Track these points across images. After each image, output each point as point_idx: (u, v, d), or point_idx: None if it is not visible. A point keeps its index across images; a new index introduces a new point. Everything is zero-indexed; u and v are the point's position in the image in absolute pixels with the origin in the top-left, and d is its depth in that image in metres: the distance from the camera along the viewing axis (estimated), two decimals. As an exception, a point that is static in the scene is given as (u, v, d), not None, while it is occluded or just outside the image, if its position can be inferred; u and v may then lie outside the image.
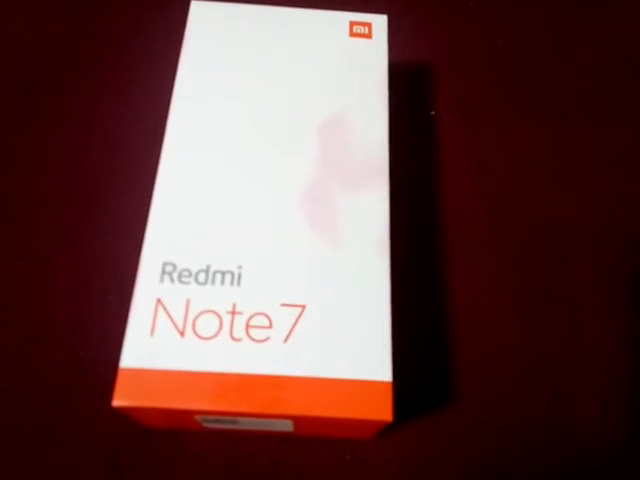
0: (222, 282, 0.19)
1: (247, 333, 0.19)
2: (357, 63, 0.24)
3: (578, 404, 0.24)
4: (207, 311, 0.19)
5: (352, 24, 0.25)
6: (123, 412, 0.19)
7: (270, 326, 0.19)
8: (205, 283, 0.19)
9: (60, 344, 0.24)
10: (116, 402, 0.18)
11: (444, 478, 0.22)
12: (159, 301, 0.19)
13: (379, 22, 0.25)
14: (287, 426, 0.20)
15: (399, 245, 0.27)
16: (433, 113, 0.30)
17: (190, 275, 0.19)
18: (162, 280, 0.19)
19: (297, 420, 0.19)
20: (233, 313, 0.19)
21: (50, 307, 0.25)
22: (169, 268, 0.19)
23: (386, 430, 0.23)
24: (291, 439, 0.23)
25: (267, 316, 0.19)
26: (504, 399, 0.24)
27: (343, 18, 0.25)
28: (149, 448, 0.22)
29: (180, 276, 0.19)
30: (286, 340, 0.19)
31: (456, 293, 0.26)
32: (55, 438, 0.22)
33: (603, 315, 0.26)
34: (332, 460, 0.23)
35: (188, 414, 0.19)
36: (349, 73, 0.24)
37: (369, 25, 0.25)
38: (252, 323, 0.19)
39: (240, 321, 0.19)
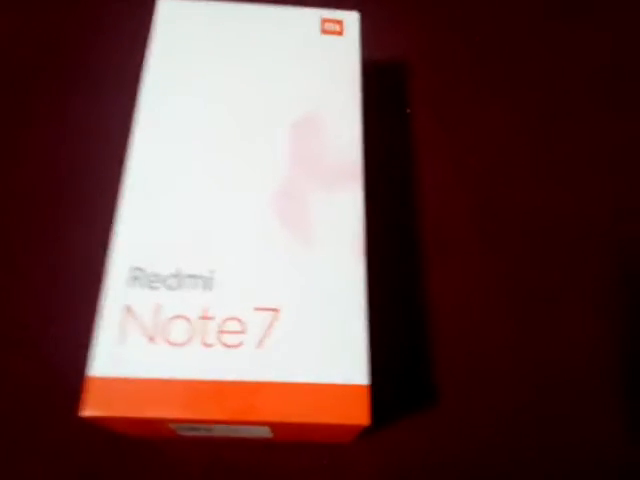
0: (193, 287, 0.19)
1: (219, 339, 0.18)
2: (329, 61, 0.23)
3: (562, 405, 0.24)
4: (178, 317, 0.18)
5: (324, 21, 0.24)
6: (94, 422, 0.18)
7: (243, 331, 0.18)
8: (175, 288, 0.19)
9: (30, 351, 0.23)
10: (85, 412, 0.17)
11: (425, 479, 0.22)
12: (127, 307, 0.18)
13: (351, 19, 0.25)
14: (265, 432, 0.20)
15: (376, 245, 0.26)
16: (409, 111, 0.30)
17: (159, 280, 0.19)
18: (130, 285, 0.19)
19: (274, 426, 0.18)
20: (205, 318, 0.18)
21: (19, 313, 0.24)
22: (138, 273, 0.19)
23: (366, 433, 0.23)
24: (270, 445, 0.22)
25: (240, 320, 0.18)
26: (486, 401, 0.24)
27: (314, 15, 0.25)
28: (124, 457, 0.22)
29: (149, 281, 0.19)
30: (260, 345, 0.18)
31: (436, 293, 0.26)
32: (25, 448, 0.22)
33: (587, 314, 0.26)
34: (312, 465, 0.22)
35: (161, 422, 0.18)
36: (321, 71, 0.23)
37: (341, 22, 0.25)
38: (224, 328, 0.18)
39: (212, 326, 0.18)
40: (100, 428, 0.22)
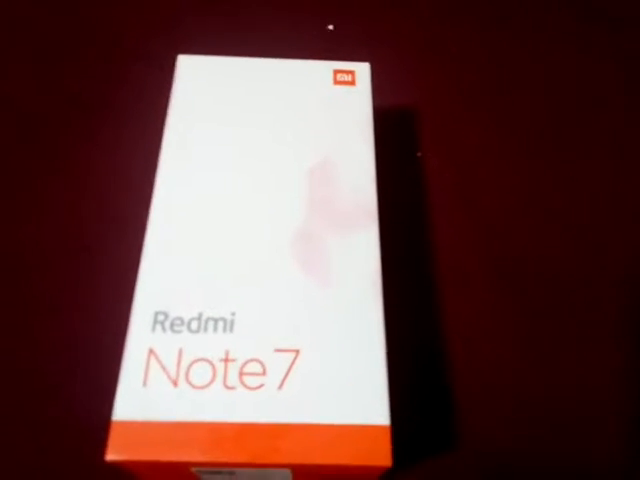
0: (215, 329, 0.19)
1: (241, 381, 0.18)
2: (342, 109, 0.24)
3: (581, 440, 0.24)
4: (200, 359, 0.19)
5: (336, 72, 0.26)
6: (118, 467, 0.18)
7: (264, 373, 0.18)
8: (198, 331, 0.19)
9: (53, 398, 0.24)
10: (109, 456, 0.17)
11: (449, 524, 0.22)
12: (151, 351, 0.19)
13: (362, 69, 0.26)
14: (286, 477, 0.20)
15: (392, 284, 0.27)
16: (419, 154, 0.31)
17: (182, 323, 0.19)
18: (154, 329, 0.19)
19: (296, 469, 0.18)
20: (226, 361, 0.19)
21: (41, 360, 0.24)
22: (161, 317, 0.19)
23: (386, 476, 0.23)
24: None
25: (261, 362, 0.19)
26: (505, 438, 0.24)
27: (327, 67, 0.26)
28: (144, 505, 0.22)
29: (172, 325, 0.19)
30: (281, 386, 0.18)
31: (451, 330, 0.26)
32: (47, 498, 0.22)
33: (602, 345, 0.26)
34: (333, 510, 0.22)
35: (184, 466, 0.18)
36: (335, 119, 0.24)
37: (352, 73, 0.26)
38: (246, 370, 0.18)
39: (233, 368, 0.18)
40: (124, 474, 0.22)
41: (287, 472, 0.19)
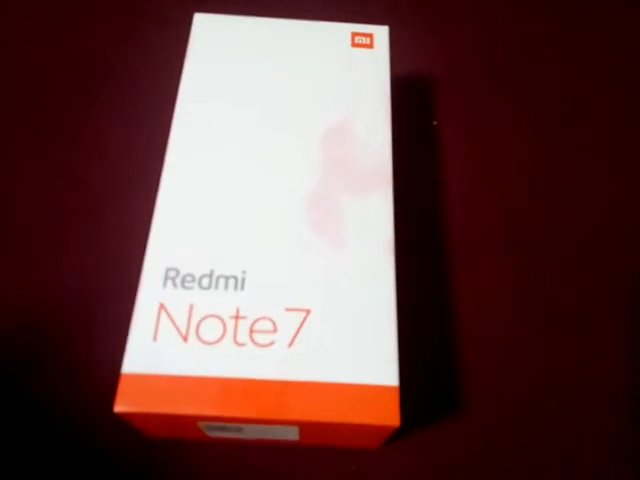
0: (226, 287, 0.19)
1: (251, 338, 0.18)
2: (359, 72, 0.24)
3: (586, 415, 0.24)
4: (210, 316, 0.19)
5: (354, 35, 0.25)
6: (125, 419, 0.18)
7: (274, 330, 0.18)
8: (208, 288, 0.19)
9: (63, 351, 0.24)
10: (118, 408, 0.17)
11: (453, 490, 0.22)
12: (162, 306, 0.19)
13: (381, 32, 0.25)
14: (293, 434, 0.20)
15: (403, 254, 0.26)
16: (435, 123, 0.30)
17: (193, 280, 0.19)
18: (165, 285, 0.19)
19: (303, 427, 0.18)
20: (237, 318, 0.19)
21: (53, 313, 0.25)
22: (172, 273, 0.19)
23: (391, 440, 0.23)
24: (296, 449, 0.22)
25: (271, 320, 0.19)
26: (511, 408, 0.24)
27: (345, 29, 0.25)
28: (151, 459, 0.22)
29: (183, 281, 0.19)
30: (291, 345, 0.18)
31: (462, 302, 0.26)
32: (56, 444, 0.22)
33: (611, 325, 0.25)
34: (340, 471, 0.22)
35: (191, 420, 0.18)
36: (352, 82, 0.24)
37: (371, 36, 0.25)
38: (256, 328, 0.18)
39: (244, 326, 0.18)
40: (129, 429, 0.22)
41: (294, 429, 0.19)
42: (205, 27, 0.25)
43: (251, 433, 0.20)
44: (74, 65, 0.31)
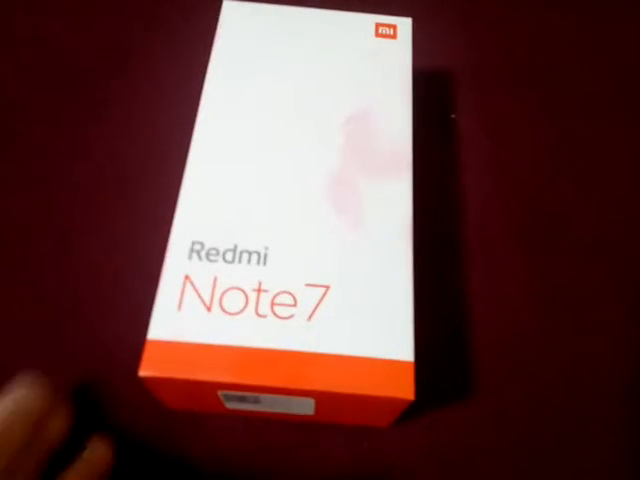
0: (249, 261, 0.20)
1: (272, 310, 0.19)
2: (382, 61, 0.25)
3: (594, 399, 0.24)
4: (234, 288, 0.19)
5: (378, 25, 0.26)
6: (148, 386, 0.19)
7: (295, 304, 0.19)
8: (232, 262, 0.20)
9: (87, 324, 0.24)
10: (142, 372, 0.18)
11: (461, 466, 0.22)
12: (187, 277, 0.19)
13: (404, 24, 0.26)
14: (308, 407, 0.20)
15: (419, 239, 0.27)
16: (453, 116, 0.31)
17: (217, 254, 0.20)
18: (190, 258, 0.20)
19: (319, 399, 0.19)
20: (259, 291, 0.19)
21: (79, 287, 0.25)
22: (197, 247, 0.20)
23: (402, 419, 0.23)
24: (310, 426, 0.23)
25: (292, 295, 0.19)
26: (521, 395, 0.24)
27: (369, 20, 0.26)
28: (169, 429, 0.23)
29: (208, 254, 0.20)
30: (310, 318, 0.19)
31: (476, 287, 0.26)
32: (81, 414, 0.23)
33: (624, 319, 0.26)
34: (350, 447, 0.23)
35: (212, 389, 0.19)
36: (375, 70, 0.24)
37: (394, 27, 0.26)
38: (277, 301, 0.19)
39: (265, 298, 0.19)
40: (151, 402, 0.23)
41: (310, 401, 0.19)
42: (233, 13, 0.26)
43: (268, 406, 0.21)
44: (103, 48, 0.32)
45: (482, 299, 0.26)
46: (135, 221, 0.27)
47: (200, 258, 0.20)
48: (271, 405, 0.20)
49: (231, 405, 0.21)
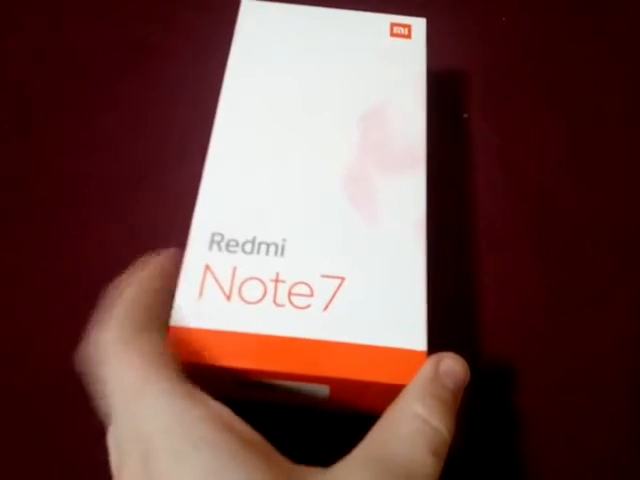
0: (267, 252, 0.20)
1: (289, 300, 0.20)
2: (397, 60, 0.25)
3: (603, 396, 0.25)
4: (252, 278, 0.20)
5: (393, 25, 0.26)
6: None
7: (311, 294, 0.20)
8: (251, 252, 0.20)
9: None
10: (164, 357, 0.19)
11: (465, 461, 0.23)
12: (207, 267, 0.20)
13: (418, 24, 0.27)
14: (323, 394, 0.21)
15: (431, 235, 0.28)
16: (466, 115, 0.31)
17: (237, 245, 0.20)
18: (211, 248, 0.20)
19: (333, 386, 0.20)
20: (277, 281, 0.20)
21: (93, 283, 0.26)
22: (217, 237, 0.21)
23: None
24: (323, 414, 0.23)
25: (309, 285, 0.20)
26: (529, 389, 0.25)
27: (384, 20, 0.27)
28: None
29: (227, 245, 0.20)
30: (326, 308, 0.20)
31: (486, 282, 0.27)
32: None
33: (633, 316, 0.26)
34: (362, 436, 0.23)
35: (230, 374, 0.19)
36: (389, 69, 0.25)
37: (409, 27, 0.26)
38: (294, 291, 0.20)
39: (283, 288, 0.20)
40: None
41: (325, 389, 0.20)
42: (251, 12, 0.26)
43: (283, 394, 0.21)
44: (120, 43, 0.33)
45: (492, 294, 0.26)
46: (150, 214, 0.28)
47: (220, 249, 0.20)
48: (286, 394, 0.21)
49: (246, 393, 0.22)
